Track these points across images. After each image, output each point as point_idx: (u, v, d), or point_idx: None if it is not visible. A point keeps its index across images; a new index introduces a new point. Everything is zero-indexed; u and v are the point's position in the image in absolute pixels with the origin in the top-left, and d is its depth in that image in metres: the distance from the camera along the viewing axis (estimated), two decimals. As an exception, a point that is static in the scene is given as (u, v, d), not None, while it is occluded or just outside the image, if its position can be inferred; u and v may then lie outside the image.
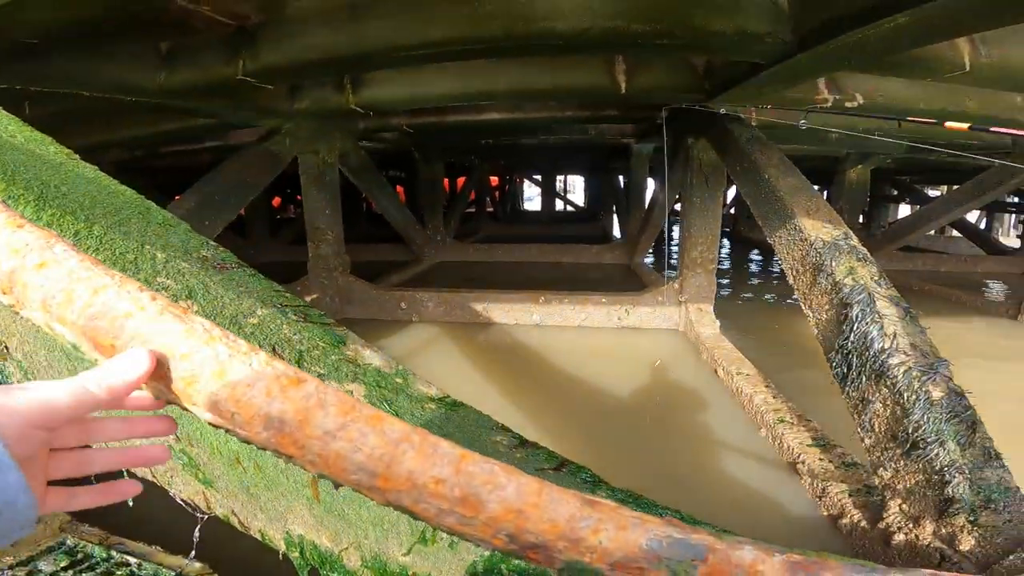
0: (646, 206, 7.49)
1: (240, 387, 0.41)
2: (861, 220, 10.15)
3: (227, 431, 0.42)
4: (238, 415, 0.41)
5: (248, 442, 0.41)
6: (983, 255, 8.82)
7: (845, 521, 2.10)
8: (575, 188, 22.83)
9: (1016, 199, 10.09)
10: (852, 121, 4.84)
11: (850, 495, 2.17)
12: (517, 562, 0.77)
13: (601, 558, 0.40)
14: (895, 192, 11.95)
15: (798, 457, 2.51)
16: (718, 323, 4.41)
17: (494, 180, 14.90)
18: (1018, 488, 1.65)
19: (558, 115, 5.28)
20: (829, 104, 3.70)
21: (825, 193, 10.26)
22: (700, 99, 3.95)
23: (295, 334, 0.94)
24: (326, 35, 2.91)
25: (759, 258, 9.67)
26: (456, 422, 0.92)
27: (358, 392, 0.89)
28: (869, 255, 2.08)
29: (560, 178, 19.54)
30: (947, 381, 1.77)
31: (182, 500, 1.04)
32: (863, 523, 2.02)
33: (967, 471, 1.66)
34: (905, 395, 1.76)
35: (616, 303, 4.80)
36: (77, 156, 1.25)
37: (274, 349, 0.93)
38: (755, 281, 7.72)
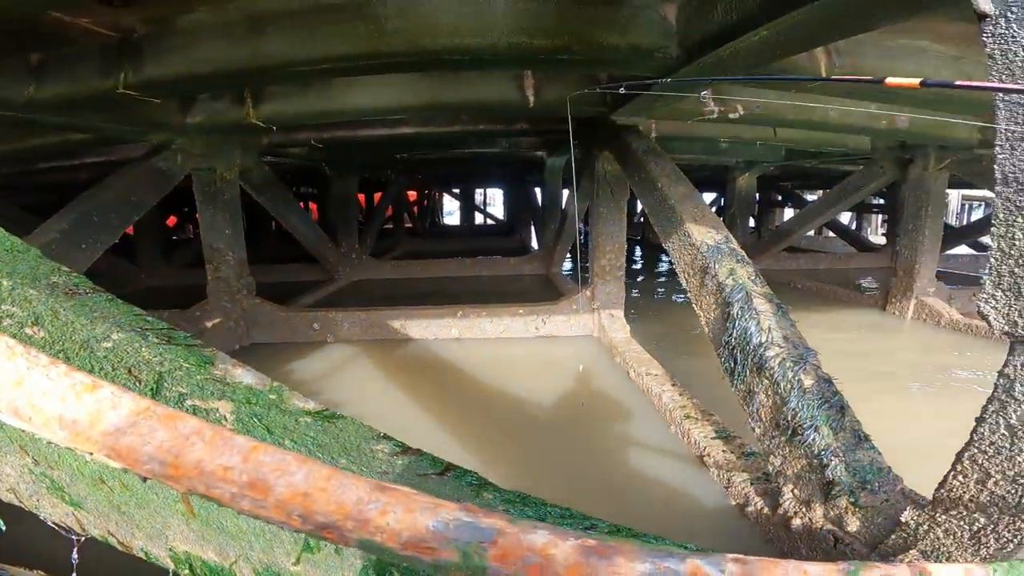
0: (560, 217, 7.74)
1: (38, 395, 0.43)
2: (752, 224, 11.10)
3: (32, 435, 0.43)
4: (36, 419, 0.43)
5: (52, 443, 0.44)
6: (855, 252, 9.94)
7: (751, 509, 2.19)
8: (495, 201, 23.13)
9: (881, 200, 11.45)
10: (738, 131, 5.31)
11: (752, 483, 2.27)
12: (406, 564, 0.78)
13: (391, 538, 0.44)
14: (779, 197, 13.21)
15: (704, 450, 2.64)
16: (628, 327, 4.63)
17: (412, 195, 14.75)
18: (889, 468, 1.78)
19: (470, 129, 5.34)
20: (715, 115, 3.99)
21: (722, 200, 11.13)
22: (603, 112, 4.15)
23: (155, 356, 0.90)
24: (222, 48, 2.76)
25: (667, 262, 10.29)
26: (333, 433, 0.91)
27: (225, 409, 0.87)
28: (747, 257, 2.28)
29: (480, 191, 19.77)
30: (816, 369, 1.95)
31: (53, 523, 0.99)
32: (765, 510, 2.11)
33: (842, 454, 1.80)
34: (781, 384, 1.91)
35: (533, 313, 4.90)
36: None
37: (130, 371, 0.89)
38: (663, 282, 8.21)
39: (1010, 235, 1.15)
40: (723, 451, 2.57)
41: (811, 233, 11.82)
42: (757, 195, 10.20)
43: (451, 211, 21.79)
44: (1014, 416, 1.24)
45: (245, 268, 5.01)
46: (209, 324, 4.80)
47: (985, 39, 1.21)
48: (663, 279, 8.62)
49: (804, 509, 1.89)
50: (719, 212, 11.83)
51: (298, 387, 4.08)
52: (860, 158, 6.72)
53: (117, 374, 1.11)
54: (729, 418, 2.89)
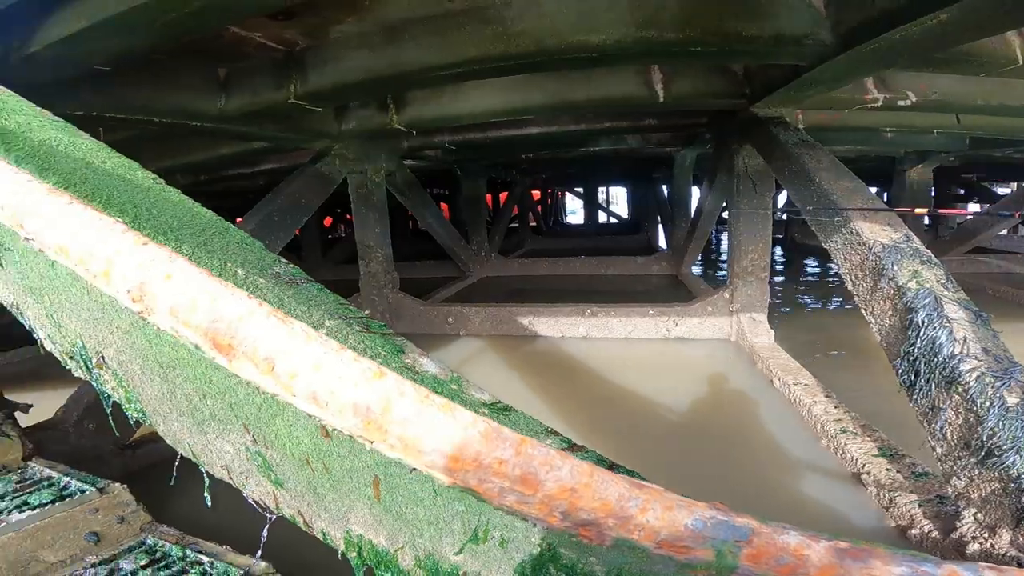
0: (691, 215, 7.36)
1: (332, 379, 0.46)
2: (927, 222, 9.59)
3: (321, 421, 0.46)
4: (331, 403, 0.46)
5: (338, 430, 0.46)
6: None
7: (915, 531, 2.02)
8: (618, 199, 22.69)
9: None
10: (908, 119, 4.64)
11: (920, 505, 2.09)
12: (564, 562, 0.79)
13: (649, 536, 0.43)
14: (962, 191, 11.24)
15: (863, 467, 2.42)
16: (772, 332, 4.27)
17: (536, 194, 15.00)
18: None
19: (596, 127, 5.32)
20: (879, 103, 3.59)
21: (885, 195, 9.78)
22: (741, 104, 3.90)
23: (359, 343, 1.00)
24: (365, 57, 3.06)
25: (815, 265, 9.29)
26: (508, 425, 0.94)
27: None
28: (934, 258, 1.98)
29: (603, 190, 19.51)
30: (1022, 387, 1.67)
31: (253, 501, 1.09)
32: (934, 533, 1.94)
33: None
34: (978, 402, 1.67)
35: (664, 314, 4.73)
36: (162, 180, 1.37)
37: None
38: (811, 287, 7.43)
39: None
40: (887, 469, 2.36)
41: (1004, 232, 9.93)
42: (933, 190, 8.76)
43: (573, 210, 21.80)
44: None
45: (391, 264, 5.48)
46: (360, 315, 5.33)
47: None
48: (810, 282, 7.80)
49: (987, 535, 1.74)
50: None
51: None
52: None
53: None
54: (891, 436, 2.60)
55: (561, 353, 4.62)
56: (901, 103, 3.58)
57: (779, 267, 9.45)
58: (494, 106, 4.14)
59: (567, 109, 4.54)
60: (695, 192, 8.36)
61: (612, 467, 0.99)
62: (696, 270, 8.00)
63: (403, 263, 8.04)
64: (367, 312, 5.21)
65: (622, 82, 3.81)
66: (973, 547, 1.76)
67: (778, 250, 11.12)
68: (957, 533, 1.82)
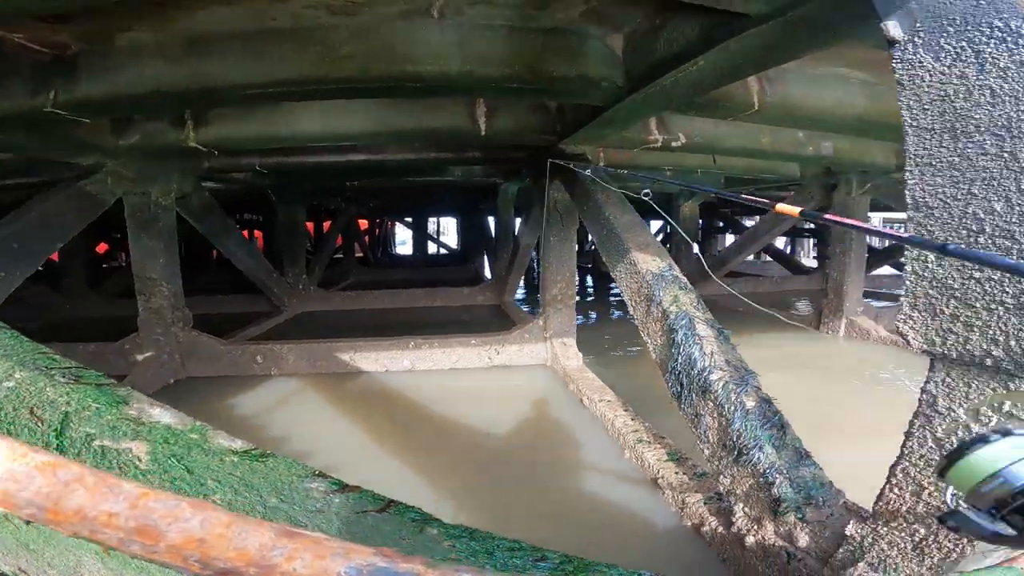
0: (513, 246, 7.80)
1: None
2: (696, 250, 11.53)
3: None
4: None
5: None
6: (790, 275, 10.49)
7: (706, 529, 2.19)
8: (449, 230, 23.14)
9: (811, 225, 12.19)
10: (681, 159, 5.55)
11: (705, 503, 2.27)
12: None
13: None
14: (721, 224, 13.85)
15: (658, 473, 2.64)
16: (581, 355, 4.66)
17: (363, 223, 14.55)
18: (831, 483, 1.83)
19: (423, 156, 5.34)
20: (659, 144, 4.13)
21: (667, 228, 11.55)
22: (553, 141, 4.24)
23: (61, 396, 0.84)
24: (159, 69, 2.66)
25: (617, 290, 10.48)
26: (262, 472, 0.86)
27: (140, 450, 0.82)
28: (689, 284, 2.35)
29: (433, 220, 19.76)
30: (757, 391, 2.01)
31: None
32: (720, 529, 2.11)
33: (785, 471, 1.85)
34: (726, 407, 1.96)
35: (486, 343, 4.86)
36: None
37: (32, 411, 0.83)
38: (617, 309, 8.36)
39: (922, 258, 1.23)
40: (676, 473, 2.57)
41: (751, 258, 12.40)
42: (700, 222, 10.61)
43: (403, 240, 21.63)
44: (940, 429, 1.29)
45: (180, 299, 4.74)
46: (140, 357, 4.49)
47: (895, 65, 1.29)
48: (616, 306, 8.78)
49: (756, 527, 1.91)
50: (666, 239, 12.31)
51: (239, 422, 3.84)
52: (791, 184, 7.15)
53: (18, 415, 1.01)
54: (681, 442, 2.89)
55: (386, 388, 4.44)
56: (675, 144, 4.15)
57: (589, 294, 10.49)
58: (312, 130, 3.90)
59: (393, 137, 4.48)
60: (519, 224, 8.91)
61: (387, 506, 0.94)
62: (522, 299, 8.47)
63: (203, 297, 7.09)
64: (149, 353, 4.41)
65: (449, 114, 3.87)
66: (750, 539, 1.91)
67: (589, 279, 12.36)
68: (735, 527, 1.98)
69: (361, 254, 13.39)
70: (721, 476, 2.07)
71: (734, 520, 2.00)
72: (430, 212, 16.14)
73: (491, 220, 11.29)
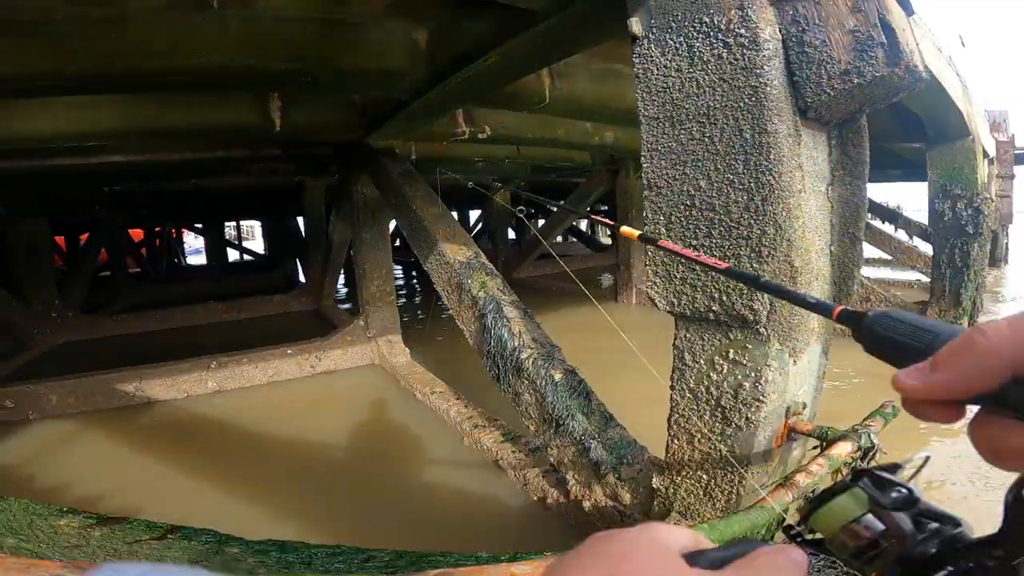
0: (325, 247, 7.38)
1: None
2: (512, 236, 12.30)
3: None
4: None
5: None
6: (592, 253, 11.80)
7: (550, 500, 2.28)
8: (254, 234, 20.90)
9: (605, 207, 13.79)
10: (490, 151, 5.83)
11: (544, 476, 2.37)
12: None
13: None
14: (532, 210, 14.91)
15: (497, 454, 2.72)
16: (408, 351, 4.66)
17: (137, 234, 12.29)
18: (635, 440, 1.99)
19: (206, 156, 4.72)
20: (466, 135, 4.21)
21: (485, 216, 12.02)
22: (358, 136, 4.08)
23: None
24: None
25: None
26: None
27: None
28: (495, 269, 2.53)
29: (232, 224, 17.57)
30: (562, 363, 2.19)
31: None
32: (561, 498, 2.21)
33: (597, 435, 2.00)
34: (538, 382, 2.11)
35: (304, 351, 4.56)
36: None
37: None
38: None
39: (657, 232, 1.52)
40: (513, 452, 2.65)
41: (560, 239, 13.60)
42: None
43: (197, 249, 18.86)
44: (691, 380, 1.54)
45: None
46: None
47: (634, 59, 1.47)
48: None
49: (588, 491, 2.03)
50: (484, 227, 12.83)
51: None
52: (584, 170, 8.02)
53: None
54: (515, 422, 2.97)
55: (190, 415, 3.89)
56: (481, 136, 4.26)
57: (417, 289, 10.48)
58: (53, 129, 3.17)
59: (161, 136, 3.85)
60: (330, 223, 8.39)
61: (169, 532, 0.87)
62: (345, 303, 8.06)
63: None
64: None
65: (234, 109, 3.48)
66: (586, 504, 2.01)
67: (414, 273, 12.31)
68: (572, 495, 2.08)
69: (138, 269, 11.32)
70: (549, 448, 2.18)
71: (569, 488, 2.11)
72: (227, 216, 14.30)
73: (300, 221, 10.46)
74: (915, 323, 0.39)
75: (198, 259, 17.56)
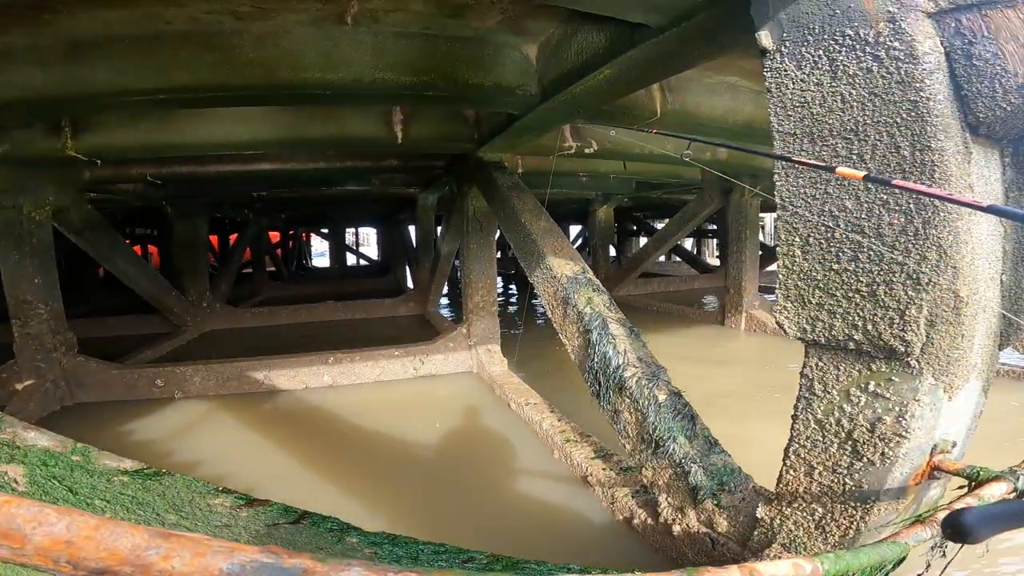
0: (434, 255, 7.75)
1: None
2: (613, 253, 12.08)
3: None
4: None
5: None
6: (697, 274, 11.22)
7: (636, 522, 2.23)
8: (369, 241, 22.52)
9: (714, 226, 13.13)
10: (595, 165, 5.78)
11: (633, 497, 2.31)
12: None
13: None
14: (635, 227, 14.57)
15: (587, 471, 2.68)
16: (505, 361, 4.71)
17: (275, 236, 13.80)
18: (739, 468, 1.92)
19: (337, 165, 5.19)
20: (573, 150, 4.26)
21: (586, 232, 11.92)
22: (471, 148, 4.25)
23: None
24: (33, 75, 2.44)
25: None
26: (157, 491, 0.83)
27: (16, 472, 0.77)
28: (602, 286, 2.47)
29: (352, 231, 19.14)
30: (667, 384, 2.12)
31: None
32: (649, 520, 2.15)
33: (699, 460, 1.94)
34: (640, 402, 2.05)
35: (410, 354, 4.79)
36: None
37: None
38: (540, 317, 8.52)
39: (791, 253, 1.38)
40: (603, 469, 2.60)
41: (662, 259, 13.12)
42: (615, 225, 11.10)
43: (322, 252, 20.76)
44: (819, 411, 1.42)
45: (63, 322, 4.27)
46: (20, 386, 3.99)
47: (766, 73, 1.40)
48: (540, 314, 8.95)
49: (680, 515, 1.97)
50: (584, 243, 12.74)
51: (139, 447, 3.51)
52: (694, 188, 7.69)
53: None
54: (606, 438, 2.94)
55: (306, 406, 4.24)
56: (587, 151, 4.30)
57: (513, 301, 10.63)
58: (211, 138, 3.67)
59: (303, 146, 4.31)
60: (440, 232, 8.83)
61: (301, 518, 0.92)
62: (446, 308, 8.41)
63: (89, 320, 6.42)
64: (30, 382, 3.95)
65: (363, 122, 3.78)
66: (676, 528, 1.95)
67: (512, 286, 12.52)
68: (662, 518, 2.02)
69: (273, 268, 12.69)
70: (644, 469, 2.12)
71: (660, 511, 2.05)
72: (348, 223, 15.62)
73: (412, 229, 11.12)
74: None
75: (322, 261, 19.28)
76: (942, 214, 1.17)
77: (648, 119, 3.20)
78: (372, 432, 3.64)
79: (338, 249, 15.58)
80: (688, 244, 16.50)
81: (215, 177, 4.97)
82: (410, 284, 10.96)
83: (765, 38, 1.39)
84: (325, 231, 15.77)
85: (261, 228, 10.13)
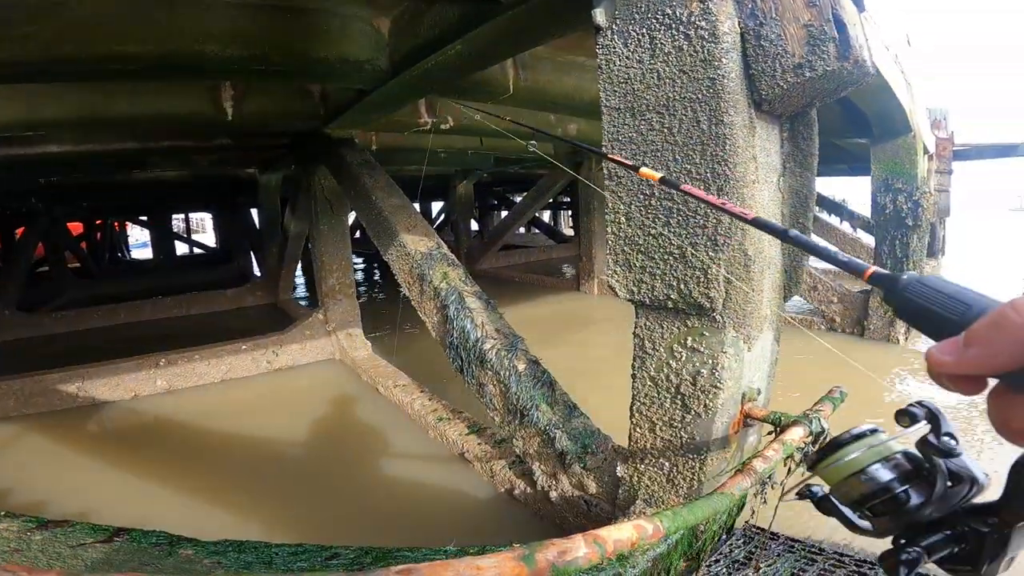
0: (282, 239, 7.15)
1: None
2: (475, 227, 12.25)
3: None
4: None
5: None
6: (554, 244, 11.86)
7: (518, 492, 2.27)
8: (205, 227, 20.05)
9: (568, 199, 13.87)
10: (452, 142, 5.75)
11: (511, 468, 2.35)
12: None
13: None
14: (495, 202, 14.87)
15: (463, 447, 2.69)
16: (369, 344, 4.58)
17: (77, 227, 11.58)
18: (598, 430, 2.00)
19: (151, 145, 4.50)
20: (428, 126, 4.17)
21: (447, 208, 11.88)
22: (317, 125, 3.96)
23: None
24: None
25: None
26: None
27: None
28: (457, 260, 2.50)
29: (181, 217, 16.82)
30: (525, 353, 2.19)
31: None
32: (528, 489, 2.20)
33: (562, 425, 2.01)
34: (502, 373, 2.10)
35: (260, 347, 4.41)
36: None
37: None
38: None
39: (617, 220, 1.53)
40: (479, 444, 2.62)
41: (522, 231, 13.62)
42: (476, 201, 11.21)
43: (144, 242, 17.95)
44: (652, 368, 1.56)
45: None
46: None
47: (598, 50, 1.47)
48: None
49: (554, 481, 2.03)
50: (446, 219, 12.69)
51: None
52: (549, 163, 8.02)
53: None
54: (480, 414, 2.93)
55: (139, 417, 3.71)
56: (443, 127, 4.21)
57: (379, 282, 10.30)
58: None
59: (105, 126, 3.63)
60: (287, 215, 8.11)
61: (116, 535, 0.83)
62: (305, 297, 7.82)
63: None
64: None
65: (183, 98, 3.33)
66: (554, 494, 2.01)
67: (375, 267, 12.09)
68: (539, 486, 2.07)
69: (78, 264, 10.69)
70: (515, 439, 2.17)
71: (536, 479, 2.12)
72: (174, 209, 13.65)
73: (255, 213, 10.07)
74: (948, 292, 0.38)
75: (144, 253, 16.73)
76: (732, 181, 1.36)
77: (502, 95, 3.24)
78: (224, 436, 3.33)
79: (162, 238, 13.57)
80: (546, 216, 17.29)
81: (-19, 161, 4.01)
82: (257, 272, 10.02)
83: (600, 15, 1.46)
84: (144, 219, 13.62)
85: (55, 219, 8.42)
